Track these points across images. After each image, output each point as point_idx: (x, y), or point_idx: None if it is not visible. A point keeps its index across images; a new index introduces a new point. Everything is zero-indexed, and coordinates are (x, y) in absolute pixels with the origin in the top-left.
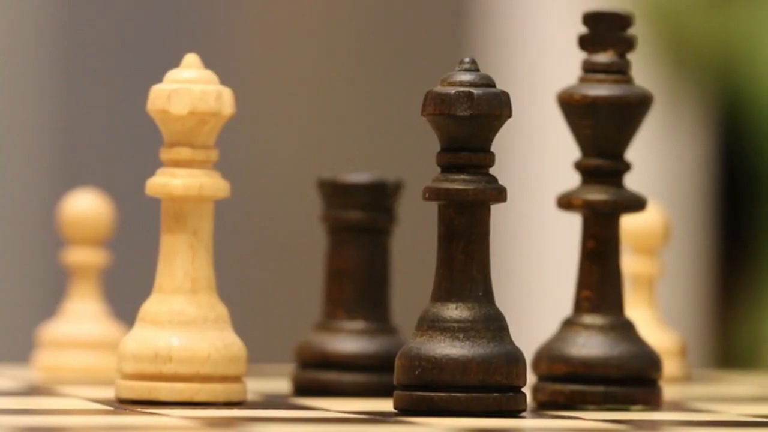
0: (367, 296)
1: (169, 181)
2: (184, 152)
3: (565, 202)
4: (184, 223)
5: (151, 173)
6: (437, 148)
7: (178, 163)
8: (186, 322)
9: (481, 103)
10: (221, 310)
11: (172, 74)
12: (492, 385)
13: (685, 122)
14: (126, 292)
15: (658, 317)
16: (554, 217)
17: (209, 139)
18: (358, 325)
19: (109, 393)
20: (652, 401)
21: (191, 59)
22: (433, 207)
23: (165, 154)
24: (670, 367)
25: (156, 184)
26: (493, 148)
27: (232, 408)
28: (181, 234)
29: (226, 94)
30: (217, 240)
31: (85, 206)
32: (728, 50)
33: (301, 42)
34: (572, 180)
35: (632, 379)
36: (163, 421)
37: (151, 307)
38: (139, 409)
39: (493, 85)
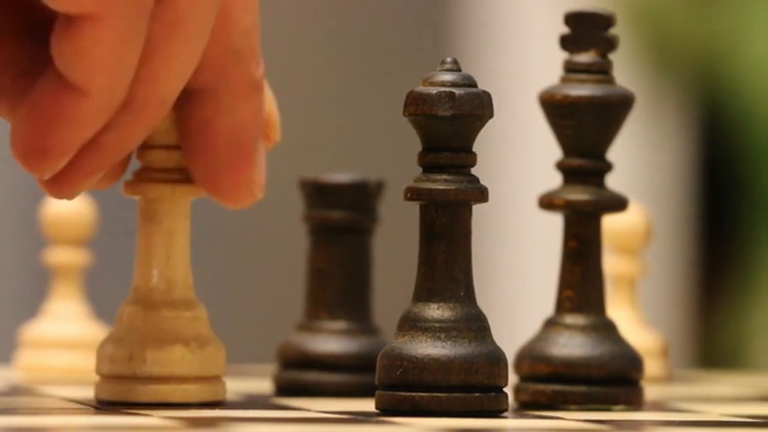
0: (349, 296)
1: (143, 181)
2: (159, 153)
3: (547, 202)
4: (159, 224)
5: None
6: (419, 148)
7: (153, 164)
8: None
9: (462, 103)
10: (198, 310)
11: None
12: (473, 385)
13: (667, 122)
14: (108, 293)
15: (639, 317)
16: (536, 217)
17: None
18: (340, 325)
19: (91, 393)
20: (634, 401)
21: None
22: (415, 207)
23: (140, 155)
24: (651, 367)
25: (130, 184)
26: (474, 148)
27: (212, 408)
28: (156, 235)
29: None
30: (199, 240)
31: (67, 206)
32: (710, 50)
33: (283, 42)
34: (554, 180)
35: (614, 379)
36: (145, 421)
37: (126, 307)
38: (121, 410)
39: (475, 85)
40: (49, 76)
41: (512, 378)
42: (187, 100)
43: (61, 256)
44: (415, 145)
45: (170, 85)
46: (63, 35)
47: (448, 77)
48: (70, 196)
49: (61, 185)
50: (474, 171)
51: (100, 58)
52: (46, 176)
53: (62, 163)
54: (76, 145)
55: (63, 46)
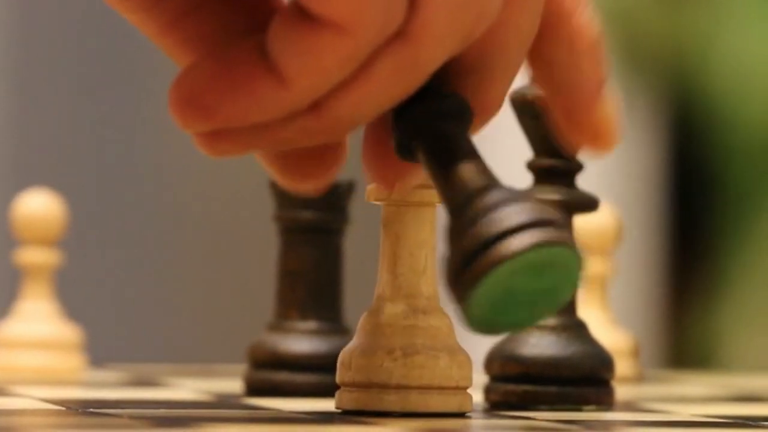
0: (320, 296)
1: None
2: None
3: None
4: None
5: (103, 174)
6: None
7: None
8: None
9: None
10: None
11: None
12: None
13: (638, 122)
14: (78, 293)
15: (610, 317)
16: None
17: None
18: (311, 325)
19: (62, 393)
20: (605, 401)
21: None
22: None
23: None
24: (622, 367)
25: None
26: None
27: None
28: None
29: None
30: (171, 240)
31: (38, 206)
32: (680, 50)
33: None
34: (525, 180)
35: (585, 380)
36: (114, 421)
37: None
38: (91, 409)
39: None
40: (252, 48)
41: (483, 378)
42: None
43: (32, 256)
44: None
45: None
46: None
47: None
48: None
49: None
50: None
51: None
52: (195, 130)
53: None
54: (247, 120)
55: None
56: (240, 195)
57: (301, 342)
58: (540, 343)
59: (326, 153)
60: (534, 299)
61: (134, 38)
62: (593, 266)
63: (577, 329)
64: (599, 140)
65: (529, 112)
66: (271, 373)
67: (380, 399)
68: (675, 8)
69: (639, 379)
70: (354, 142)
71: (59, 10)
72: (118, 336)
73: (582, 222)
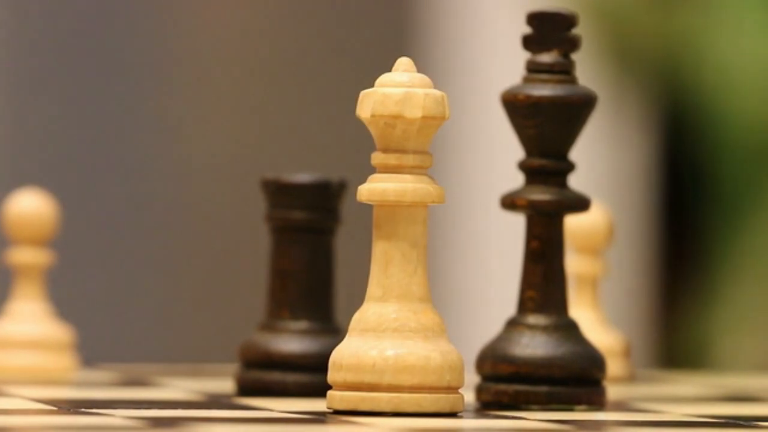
0: (311, 296)
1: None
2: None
3: (509, 203)
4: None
5: (95, 174)
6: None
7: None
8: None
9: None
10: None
11: (388, 78)
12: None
13: (629, 122)
14: (70, 292)
15: (601, 317)
16: (498, 217)
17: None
18: (302, 325)
19: (54, 393)
20: (596, 401)
21: (406, 62)
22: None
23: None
24: (613, 367)
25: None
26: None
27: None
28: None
29: (444, 98)
30: (163, 240)
31: (29, 206)
32: (672, 50)
33: (243, 42)
34: (516, 180)
35: (576, 379)
36: (107, 421)
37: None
38: (83, 409)
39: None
40: None
41: (474, 378)
42: None
43: (24, 256)
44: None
45: None
46: None
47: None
48: None
49: None
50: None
51: None
52: None
53: None
54: None
55: None
56: (231, 195)
57: (292, 342)
58: (531, 343)
59: None
60: None
61: (127, 38)
62: (585, 266)
63: (568, 329)
64: None
65: (520, 112)
66: (262, 373)
67: (372, 399)
68: (666, 7)
69: (630, 379)
70: (351, 142)
71: (51, 10)
72: (110, 336)
73: (573, 222)
